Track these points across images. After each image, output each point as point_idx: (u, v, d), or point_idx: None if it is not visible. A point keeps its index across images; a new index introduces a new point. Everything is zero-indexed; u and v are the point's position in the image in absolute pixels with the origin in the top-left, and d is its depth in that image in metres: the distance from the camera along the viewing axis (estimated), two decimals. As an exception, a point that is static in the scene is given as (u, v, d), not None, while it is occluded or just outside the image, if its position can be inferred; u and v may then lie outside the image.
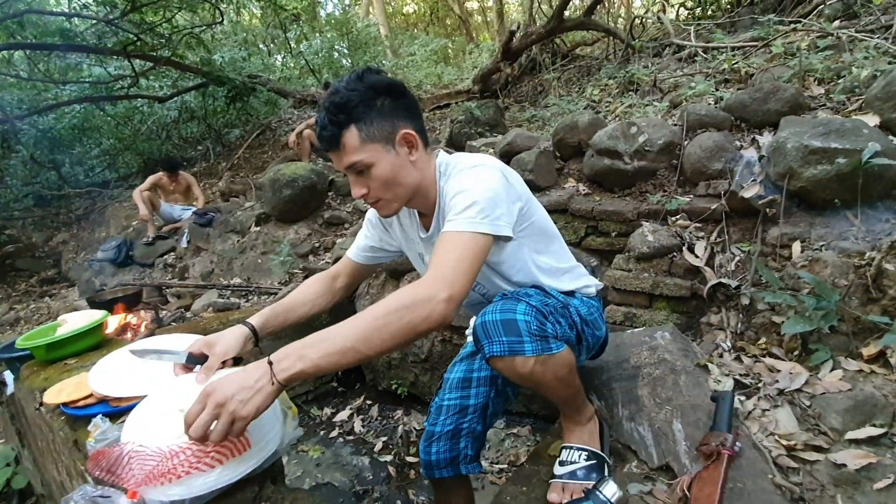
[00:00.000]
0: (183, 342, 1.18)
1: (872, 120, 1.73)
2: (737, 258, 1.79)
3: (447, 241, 0.94)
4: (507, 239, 1.03)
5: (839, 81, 2.58)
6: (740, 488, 1.09)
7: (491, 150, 3.12)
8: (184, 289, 3.37)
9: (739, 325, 1.64)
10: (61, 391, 1.14)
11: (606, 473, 1.17)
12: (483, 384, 1.34)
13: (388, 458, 2.49)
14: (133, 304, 2.64)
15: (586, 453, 1.21)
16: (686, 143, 2.17)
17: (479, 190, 0.98)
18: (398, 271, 2.92)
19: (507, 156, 2.91)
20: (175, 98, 7.69)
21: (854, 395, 1.30)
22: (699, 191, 2.05)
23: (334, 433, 2.73)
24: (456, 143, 4.86)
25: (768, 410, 1.36)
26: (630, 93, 4.61)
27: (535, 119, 5.36)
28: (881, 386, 1.31)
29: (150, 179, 4.83)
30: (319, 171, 3.81)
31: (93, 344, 1.51)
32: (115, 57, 6.62)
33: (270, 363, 0.82)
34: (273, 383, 0.81)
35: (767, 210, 1.78)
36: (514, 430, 2.55)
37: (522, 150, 2.75)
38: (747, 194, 1.82)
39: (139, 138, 7.86)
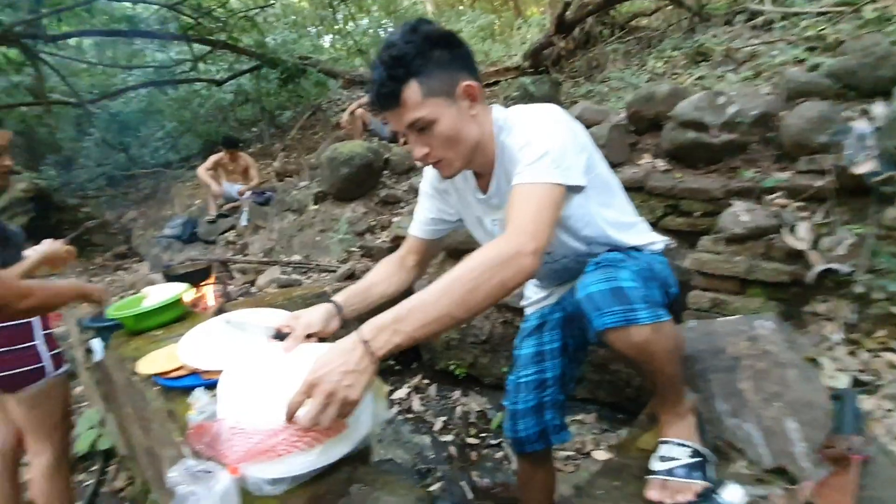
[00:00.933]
0: (272, 316, 1.17)
1: None
2: (847, 241, 1.61)
3: (522, 193, 0.91)
4: (578, 190, 0.98)
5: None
6: (873, 497, 0.98)
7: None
8: (247, 265, 3.46)
9: (852, 315, 1.48)
10: (153, 362, 1.16)
11: (711, 473, 1.08)
12: (556, 356, 1.33)
13: (449, 438, 2.48)
14: (203, 279, 2.72)
15: (689, 450, 1.12)
16: (784, 113, 1.96)
17: (548, 140, 0.94)
18: (458, 250, 2.87)
19: (574, 131, 2.76)
20: (231, 81, 7.88)
21: None
22: (799, 166, 1.86)
23: (393, 410, 2.75)
24: (511, 121, 4.71)
25: (893, 411, 1.22)
26: (699, 64, 4.30)
27: (592, 94, 5.11)
28: None
29: (212, 159, 4.99)
30: (376, 150, 3.79)
31: (176, 316, 1.55)
32: (175, 42, 6.84)
33: (366, 342, 0.79)
34: (373, 362, 0.79)
35: (885, 189, 1.58)
36: (579, 417, 2.47)
37: (591, 125, 2.60)
38: (860, 170, 1.62)
39: (198, 121, 8.14)
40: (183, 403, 1.06)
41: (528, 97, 5.12)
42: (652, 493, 1.07)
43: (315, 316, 1.08)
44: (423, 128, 0.97)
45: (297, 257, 3.52)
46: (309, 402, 0.77)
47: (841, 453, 1.01)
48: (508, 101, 5.30)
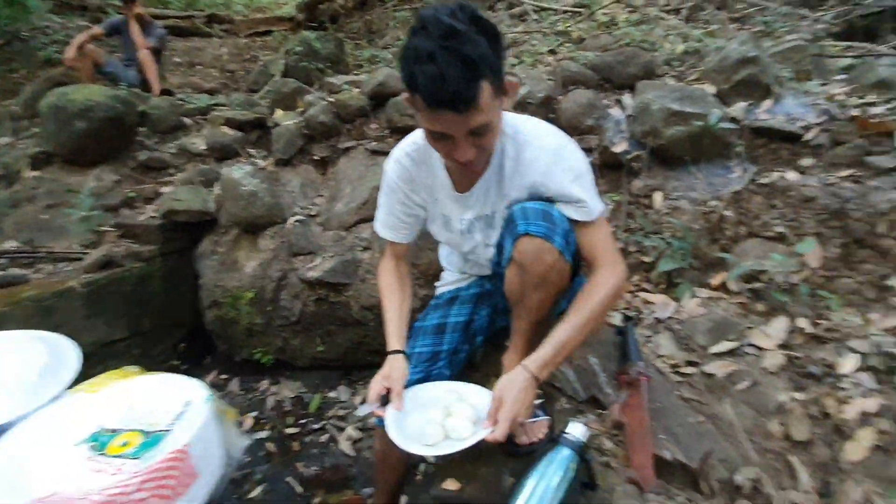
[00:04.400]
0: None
1: (710, 89, 2.07)
2: (609, 207, 2.01)
3: (598, 230, 1.08)
4: None
5: (655, 53, 3.02)
6: (659, 407, 1.27)
7: (357, 90, 2.84)
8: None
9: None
10: None
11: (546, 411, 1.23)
12: (456, 330, 1.40)
13: (264, 434, 2.25)
14: None
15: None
16: (561, 98, 2.29)
17: (586, 169, 1.09)
18: (256, 224, 2.53)
19: (378, 97, 2.69)
20: None
21: (711, 317, 1.60)
22: (573, 144, 2.21)
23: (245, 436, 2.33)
24: (296, 78, 4.30)
25: (652, 337, 1.60)
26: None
27: (378, 59, 5.08)
28: (727, 308, 1.64)
29: None
30: (126, 99, 2.97)
31: None
32: None
33: (536, 378, 1.00)
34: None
35: (634, 164, 2.02)
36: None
37: (398, 93, 2.57)
38: (618, 150, 2.03)
39: None
40: None
41: (312, 54, 4.75)
42: (521, 439, 1.17)
43: (402, 366, 1.20)
44: (481, 132, 0.92)
45: (13, 244, 2.56)
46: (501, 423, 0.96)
47: (635, 379, 1.27)
48: (291, 56, 4.82)
